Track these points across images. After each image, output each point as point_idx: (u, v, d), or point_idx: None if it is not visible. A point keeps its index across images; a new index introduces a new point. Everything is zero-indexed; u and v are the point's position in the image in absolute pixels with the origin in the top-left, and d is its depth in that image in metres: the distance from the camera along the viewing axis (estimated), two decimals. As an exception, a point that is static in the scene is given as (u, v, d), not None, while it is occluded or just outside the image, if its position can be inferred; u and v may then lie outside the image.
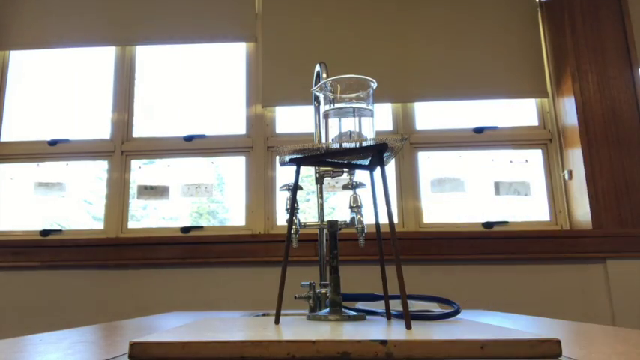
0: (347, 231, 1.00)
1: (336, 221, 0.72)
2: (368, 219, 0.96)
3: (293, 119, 2.32)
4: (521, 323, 0.89)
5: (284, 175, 2.22)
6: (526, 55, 2.26)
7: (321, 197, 1.03)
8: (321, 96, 0.70)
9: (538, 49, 2.27)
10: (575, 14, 2.15)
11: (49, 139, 2.29)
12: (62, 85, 2.40)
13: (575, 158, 2.07)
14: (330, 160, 0.67)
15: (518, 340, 0.44)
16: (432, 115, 2.29)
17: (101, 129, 2.32)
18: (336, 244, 0.71)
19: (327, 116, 0.69)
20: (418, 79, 2.25)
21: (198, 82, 2.38)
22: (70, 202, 2.27)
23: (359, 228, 0.98)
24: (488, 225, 2.12)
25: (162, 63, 2.42)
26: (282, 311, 0.63)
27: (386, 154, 0.65)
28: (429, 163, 2.22)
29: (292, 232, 0.94)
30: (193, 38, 2.35)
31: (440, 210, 2.18)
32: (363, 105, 0.68)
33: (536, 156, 2.21)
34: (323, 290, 1.02)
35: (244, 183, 2.23)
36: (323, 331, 0.53)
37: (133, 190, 2.24)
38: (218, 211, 2.32)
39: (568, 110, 2.13)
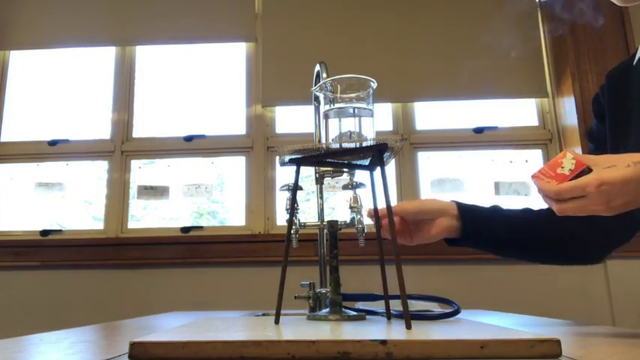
0: (347, 231, 0.99)
1: (336, 221, 0.72)
2: (368, 219, 0.96)
3: (293, 119, 2.32)
4: (521, 323, 0.89)
5: (284, 175, 2.22)
6: (526, 55, 2.25)
7: (321, 197, 1.03)
8: (321, 96, 0.70)
9: (538, 49, 2.27)
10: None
11: (49, 139, 2.29)
12: (62, 85, 2.40)
13: (575, 158, 2.06)
14: (330, 160, 0.67)
15: (518, 340, 0.44)
16: (432, 115, 2.29)
17: (101, 129, 2.32)
18: (336, 244, 0.71)
19: (327, 116, 0.69)
20: (418, 79, 2.25)
21: (198, 82, 2.38)
22: (70, 202, 2.27)
23: (359, 228, 0.98)
24: (488, 225, 2.11)
25: (162, 63, 2.42)
26: (282, 311, 0.63)
27: (386, 154, 0.65)
28: (429, 163, 2.22)
29: (292, 232, 0.94)
30: (193, 38, 2.35)
31: (440, 210, 2.17)
32: (363, 105, 0.68)
33: (536, 156, 2.21)
34: (323, 290, 1.02)
35: (244, 183, 2.23)
36: (323, 331, 0.53)
37: (133, 190, 2.24)
38: (218, 211, 2.32)
39: (568, 110, 2.13)
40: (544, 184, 0.65)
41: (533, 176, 0.67)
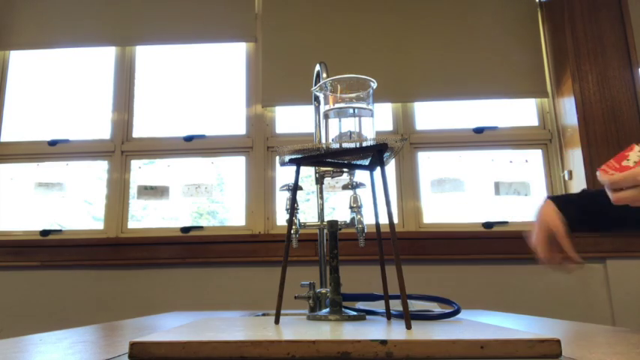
0: (347, 231, 0.99)
1: (336, 221, 0.72)
2: (368, 219, 0.96)
3: (293, 119, 2.32)
4: (521, 323, 0.89)
5: (284, 175, 2.22)
6: (526, 55, 2.25)
7: (321, 197, 1.03)
8: (321, 96, 0.70)
9: (538, 49, 2.27)
10: (575, 14, 2.15)
11: (49, 139, 2.29)
12: (62, 85, 2.40)
13: (575, 158, 2.07)
14: (330, 160, 0.67)
15: (518, 340, 0.44)
16: (432, 115, 2.29)
17: (101, 129, 2.32)
18: (336, 244, 0.71)
19: (327, 116, 0.69)
20: (418, 79, 2.25)
21: (198, 82, 2.38)
22: (70, 202, 2.27)
23: (359, 228, 0.97)
24: (488, 225, 2.12)
25: (162, 63, 2.42)
26: (282, 311, 0.63)
27: (386, 154, 0.65)
28: (429, 163, 2.22)
29: (292, 232, 0.94)
30: (193, 38, 2.35)
31: (440, 210, 2.18)
32: (363, 105, 0.68)
33: (536, 156, 2.21)
34: (323, 290, 1.02)
35: (244, 183, 2.23)
36: (323, 331, 0.53)
37: (133, 190, 2.24)
38: (218, 211, 2.32)
39: (568, 110, 2.13)
40: (603, 175, 0.65)
41: (598, 169, 0.67)
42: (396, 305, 0.78)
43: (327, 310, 0.69)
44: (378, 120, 2.27)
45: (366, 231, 0.98)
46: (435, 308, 1.02)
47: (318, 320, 0.67)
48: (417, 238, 2.03)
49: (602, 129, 2.04)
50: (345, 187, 0.99)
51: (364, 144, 0.63)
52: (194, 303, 2.02)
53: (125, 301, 2.04)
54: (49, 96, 2.39)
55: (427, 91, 2.24)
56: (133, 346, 0.44)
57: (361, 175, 0.99)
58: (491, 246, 1.99)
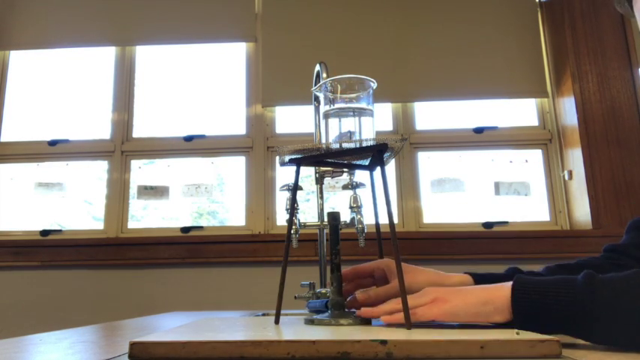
0: (347, 231, 0.99)
1: (338, 213, 0.67)
2: (368, 219, 0.96)
3: (293, 119, 2.32)
4: (521, 323, 0.89)
5: (284, 175, 2.22)
6: (526, 55, 2.25)
7: (321, 197, 1.03)
8: (321, 96, 0.70)
9: (538, 49, 2.27)
10: (575, 14, 2.15)
11: (49, 139, 2.29)
12: (62, 85, 2.40)
13: (575, 158, 2.07)
14: (330, 160, 0.67)
15: (519, 340, 0.44)
16: (432, 115, 2.29)
17: (101, 129, 2.32)
18: (338, 240, 0.66)
19: (327, 116, 0.69)
20: (418, 79, 2.25)
21: (198, 82, 2.38)
22: (70, 202, 2.27)
23: (359, 228, 0.97)
24: (488, 225, 2.12)
25: (162, 63, 2.42)
26: (282, 311, 0.63)
27: (386, 154, 0.65)
28: (429, 163, 2.22)
29: (292, 232, 0.94)
30: (193, 38, 2.35)
31: (440, 210, 2.18)
32: (363, 105, 0.68)
33: (536, 156, 2.21)
34: (323, 290, 1.02)
35: (244, 183, 2.23)
36: (323, 331, 0.52)
37: (133, 190, 2.24)
38: (218, 211, 2.32)
39: (568, 110, 2.13)
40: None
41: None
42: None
43: (328, 313, 0.66)
44: (378, 120, 2.27)
45: (366, 231, 0.98)
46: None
47: (318, 323, 0.65)
48: (417, 238, 2.03)
49: (602, 129, 2.04)
50: (345, 187, 0.99)
51: (364, 144, 0.63)
52: (194, 303, 2.02)
53: (125, 301, 2.04)
54: (49, 96, 2.39)
55: (427, 91, 2.24)
56: (133, 346, 0.44)
57: (361, 175, 0.99)
58: (492, 246, 1.99)
